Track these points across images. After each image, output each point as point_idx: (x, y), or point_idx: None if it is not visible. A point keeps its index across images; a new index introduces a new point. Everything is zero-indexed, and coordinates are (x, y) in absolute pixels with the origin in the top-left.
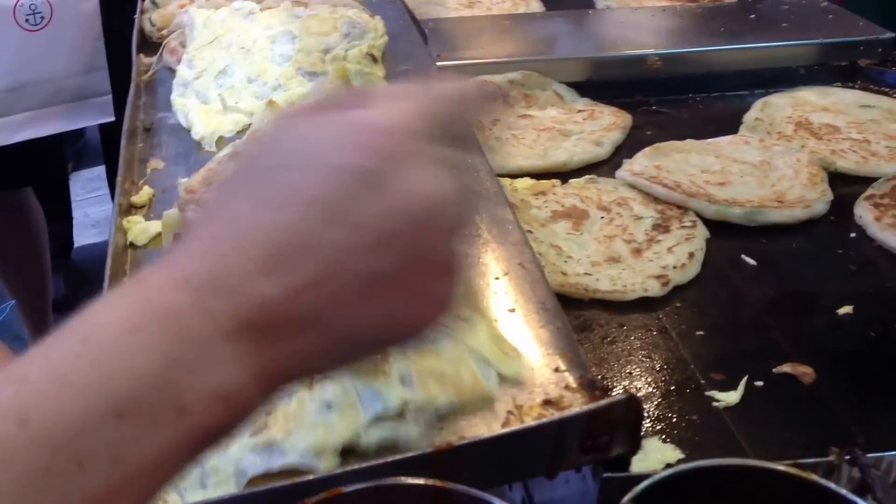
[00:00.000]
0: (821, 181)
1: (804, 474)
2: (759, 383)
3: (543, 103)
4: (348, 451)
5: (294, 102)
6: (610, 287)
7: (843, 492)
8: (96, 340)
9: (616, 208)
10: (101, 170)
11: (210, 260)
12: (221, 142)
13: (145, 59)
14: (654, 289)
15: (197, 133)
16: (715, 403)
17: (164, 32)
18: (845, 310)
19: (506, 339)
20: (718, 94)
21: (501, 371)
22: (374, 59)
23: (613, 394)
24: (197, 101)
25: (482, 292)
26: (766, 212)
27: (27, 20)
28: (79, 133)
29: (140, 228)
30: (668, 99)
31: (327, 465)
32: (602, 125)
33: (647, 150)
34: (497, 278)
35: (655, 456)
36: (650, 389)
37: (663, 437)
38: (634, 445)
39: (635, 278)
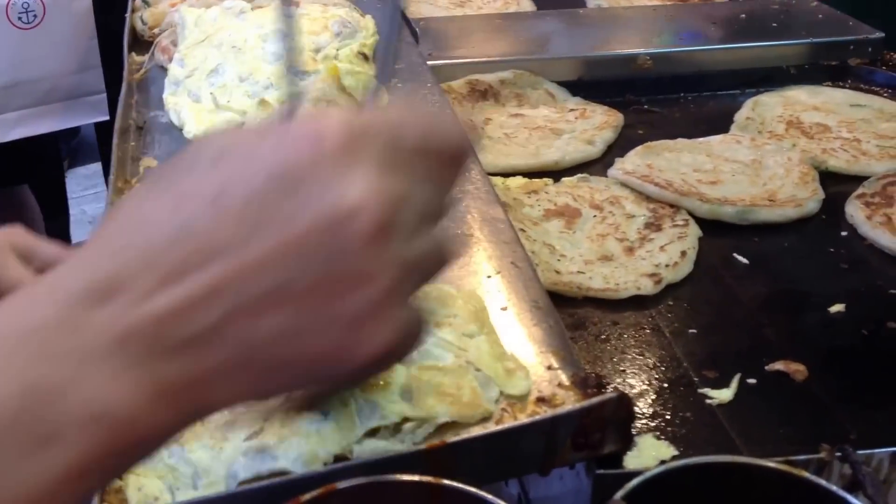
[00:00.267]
0: (812, 180)
1: (795, 471)
2: (752, 381)
3: (535, 102)
4: (340, 461)
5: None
6: (603, 285)
7: (834, 488)
8: None
9: (608, 207)
10: (97, 167)
11: (97, 266)
12: None
13: (137, 58)
14: (647, 287)
15: (189, 132)
16: (708, 401)
17: (156, 31)
18: (837, 308)
19: (512, 357)
20: (710, 93)
21: (506, 391)
22: (366, 58)
23: (606, 391)
24: (189, 100)
25: (475, 291)
26: (757, 210)
27: (20, 18)
28: (74, 131)
29: None
30: (659, 98)
31: None
32: (594, 124)
33: (638, 149)
34: (489, 277)
35: (650, 453)
36: (644, 387)
37: (657, 434)
38: (626, 442)
39: (628, 276)
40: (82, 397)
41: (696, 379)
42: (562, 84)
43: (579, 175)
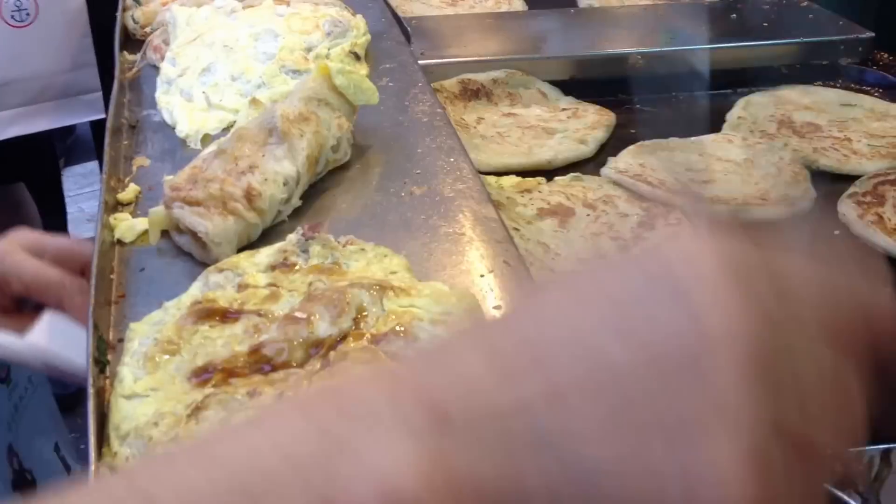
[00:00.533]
0: (804, 179)
1: None
2: None
3: (528, 101)
4: None
5: (277, 100)
6: None
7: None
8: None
9: (602, 206)
10: (93, 165)
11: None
12: (207, 139)
13: (129, 57)
14: None
15: (182, 131)
16: None
17: (148, 30)
18: None
19: None
20: (701, 92)
21: None
22: (357, 58)
23: None
24: (181, 99)
25: (468, 290)
26: (750, 209)
27: (13, 17)
28: (70, 129)
29: (127, 225)
30: (651, 97)
31: None
32: (586, 123)
33: (631, 148)
34: (482, 276)
35: None
36: None
37: None
38: None
39: None
40: (376, 464)
41: None
42: (554, 83)
43: (572, 174)
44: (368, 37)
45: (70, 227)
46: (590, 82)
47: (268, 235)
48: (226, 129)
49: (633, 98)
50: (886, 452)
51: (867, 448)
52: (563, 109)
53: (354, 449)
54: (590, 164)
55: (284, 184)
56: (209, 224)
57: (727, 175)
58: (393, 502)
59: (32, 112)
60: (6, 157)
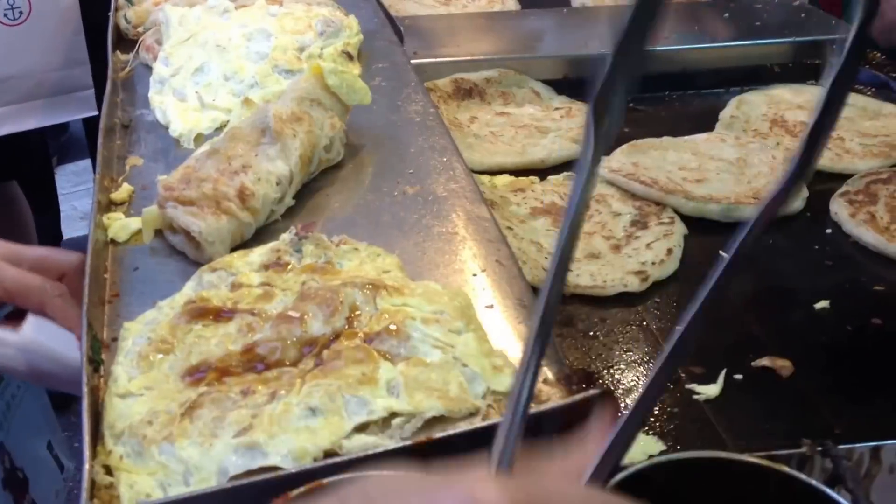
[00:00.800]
0: None
1: (775, 465)
2: (739, 376)
3: (521, 101)
4: (329, 457)
5: (269, 99)
6: (590, 282)
7: (813, 482)
8: None
9: (595, 205)
10: (86, 163)
11: None
12: (200, 139)
13: (122, 56)
14: (634, 284)
15: (175, 130)
16: (695, 396)
17: (140, 30)
18: (822, 304)
19: (500, 353)
20: (694, 92)
21: (492, 387)
22: (350, 57)
23: (593, 387)
24: (174, 99)
25: (460, 289)
26: (742, 208)
27: (6, 14)
28: (63, 127)
29: (120, 225)
30: (645, 97)
31: None
32: (579, 122)
33: (624, 147)
34: (475, 275)
35: (638, 448)
36: (631, 383)
37: (645, 429)
38: None
39: (615, 274)
40: None
41: (683, 375)
42: (547, 83)
43: (565, 173)
44: (361, 37)
45: (63, 225)
46: (583, 81)
47: (261, 235)
48: (219, 129)
49: None
50: (876, 450)
51: (857, 446)
52: (557, 109)
53: None
54: None
55: (277, 183)
56: (202, 223)
57: (720, 174)
58: None
59: (25, 109)
60: None
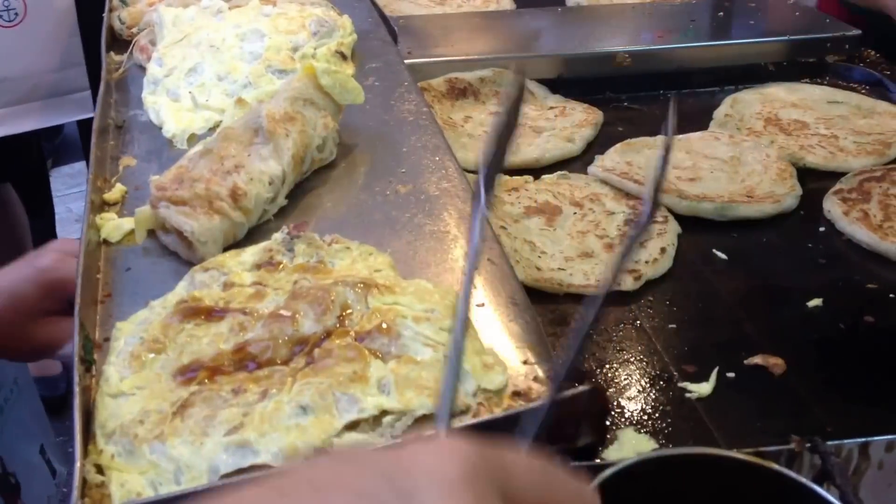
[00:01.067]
0: (790, 176)
1: (763, 462)
2: (731, 375)
3: None
4: (321, 454)
5: (263, 99)
6: (583, 281)
7: (801, 478)
8: None
9: (588, 204)
10: (81, 165)
11: None
12: (193, 139)
13: (116, 57)
14: (627, 283)
15: (168, 131)
16: (688, 395)
17: (134, 30)
18: (815, 302)
19: (491, 352)
20: (689, 90)
21: (483, 385)
22: (344, 57)
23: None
24: (168, 99)
25: (451, 288)
26: (736, 207)
27: (1, 17)
28: (57, 129)
29: (113, 225)
30: (639, 96)
31: None
32: (574, 122)
33: (618, 146)
34: (466, 273)
35: (630, 446)
36: (624, 382)
37: (638, 427)
38: (602, 435)
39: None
40: None
41: (675, 373)
42: (542, 82)
43: (559, 172)
44: (355, 36)
45: (58, 227)
46: (577, 81)
47: (253, 234)
48: (212, 129)
49: (620, 96)
50: (864, 446)
51: (845, 442)
52: (551, 108)
53: None
54: (577, 162)
55: (270, 183)
56: (195, 223)
57: (713, 172)
58: None
59: (21, 112)
60: None
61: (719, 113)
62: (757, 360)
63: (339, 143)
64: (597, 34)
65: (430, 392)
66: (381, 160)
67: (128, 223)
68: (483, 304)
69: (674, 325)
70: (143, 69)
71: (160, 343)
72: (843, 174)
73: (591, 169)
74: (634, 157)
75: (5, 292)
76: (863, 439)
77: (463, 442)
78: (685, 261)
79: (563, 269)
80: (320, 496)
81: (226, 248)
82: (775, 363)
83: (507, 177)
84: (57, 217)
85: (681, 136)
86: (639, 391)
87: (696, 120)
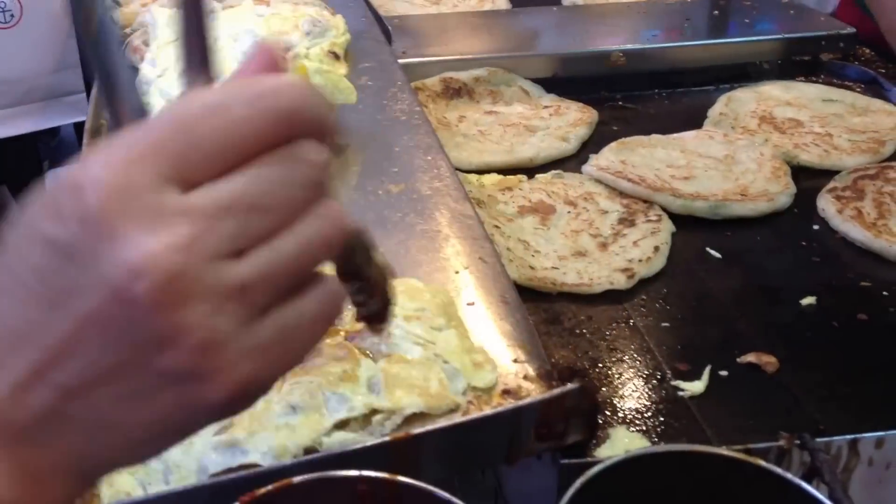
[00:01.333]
0: (784, 174)
1: (751, 459)
2: (724, 373)
3: (510, 99)
4: (310, 453)
5: None
6: (577, 280)
7: (788, 475)
8: None
9: (582, 203)
10: None
11: None
12: None
13: None
14: (620, 282)
15: None
16: (680, 393)
17: (127, 31)
18: (808, 300)
19: (480, 350)
20: (684, 89)
21: (473, 383)
22: (337, 57)
23: (575, 383)
24: (161, 100)
25: (442, 287)
26: (730, 205)
27: None
28: (54, 131)
29: None
30: (634, 94)
31: None
32: (568, 121)
33: (613, 145)
34: (457, 272)
35: (622, 444)
36: (617, 380)
37: (630, 426)
38: (591, 432)
39: (601, 272)
40: None
41: (668, 372)
42: (536, 81)
43: (553, 172)
44: (348, 36)
45: None
46: (572, 79)
47: None
48: None
49: (615, 95)
50: (854, 442)
51: (835, 438)
52: (546, 107)
53: None
54: (572, 162)
55: None
56: None
57: (707, 171)
58: None
59: (16, 114)
60: None
61: (714, 112)
62: (750, 358)
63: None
64: (591, 33)
65: (420, 391)
66: (374, 160)
67: None
68: (473, 303)
69: (667, 324)
70: (136, 70)
71: None
72: (837, 172)
73: (585, 168)
74: (629, 156)
75: None
76: (852, 436)
77: (107, 149)
78: (679, 259)
79: (556, 268)
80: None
81: None
82: (768, 361)
83: (501, 176)
84: None
85: (675, 134)
86: (631, 390)
87: (691, 118)
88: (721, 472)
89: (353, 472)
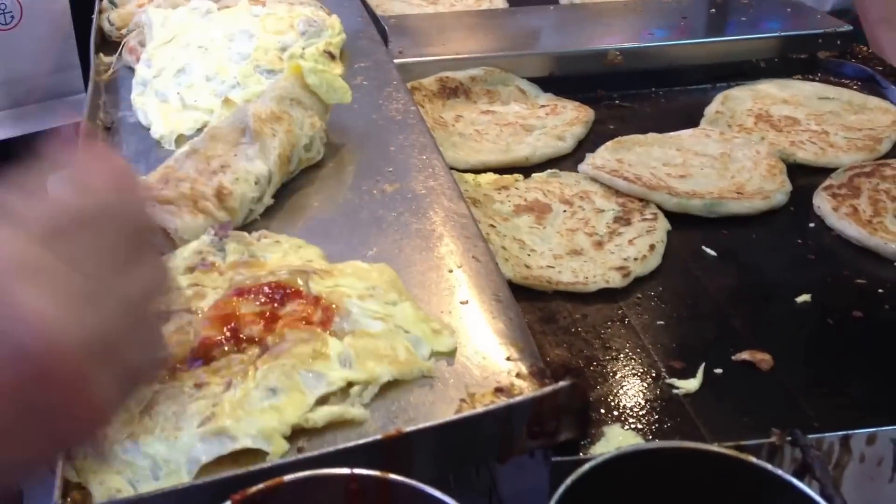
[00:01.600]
0: (780, 172)
1: (741, 455)
2: (719, 371)
3: (506, 99)
4: (298, 431)
5: (250, 99)
6: (572, 279)
7: (778, 472)
8: None
9: (578, 202)
10: None
11: None
12: (181, 140)
13: (105, 59)
14: (616, 280)
15: (156, 132)
16: (675, 391)
17: (123, 32)
18: (803, 298)
19: (436, 318)
20: (681, 87)
21: (435, 348)
22: (332, 57)
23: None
24: (156, 100)
25: (436, 285)
26: (725, 203)
27: None
28: (55, 133)
29: None
30: (630, 93)
31: (276, 447)
32: (565, 120)
33: (609, 143)
34: (451, 271)
35: (617, 442)
36: (612, 378)
37: (624, 424)
38: (583, 430)
39: (597, 270)
40: None
41: (663, 370)
42: (533, 80)
43: (549, 171)
44: (344, 36)
45: None
46: (569, 79)
47: None
48: (200, 130)
49: (612, 94)
50: (845, 439)
51: (826, 435)
52: (542, 106)
53: None
54: (568, 161)
55: (256, 183)
56: (179, 221)
57: (703, 169)
58: None
59: (17, 115)
60: None
61: (710, 110)
62: (744, 355)
63: (327, 143)
64: (588, 32)
65: (390, 359)
66: (369, 159)
67: None
68: (467, 302)
69: (662, 322)
70: (132, 70)
71: None
72: (833, 170)
73: (581, 167)
74: (625, 155)
75: None
76: (843, 432)
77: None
78: (674, 257)
79: (551, 267)
80: None
81: None
82: (763, 359)
83: (497, 175)
84: None
85: (671, 133)
86: (626, 388)
87: (688, 117)
88: (712, 470)
89: (345, 471)
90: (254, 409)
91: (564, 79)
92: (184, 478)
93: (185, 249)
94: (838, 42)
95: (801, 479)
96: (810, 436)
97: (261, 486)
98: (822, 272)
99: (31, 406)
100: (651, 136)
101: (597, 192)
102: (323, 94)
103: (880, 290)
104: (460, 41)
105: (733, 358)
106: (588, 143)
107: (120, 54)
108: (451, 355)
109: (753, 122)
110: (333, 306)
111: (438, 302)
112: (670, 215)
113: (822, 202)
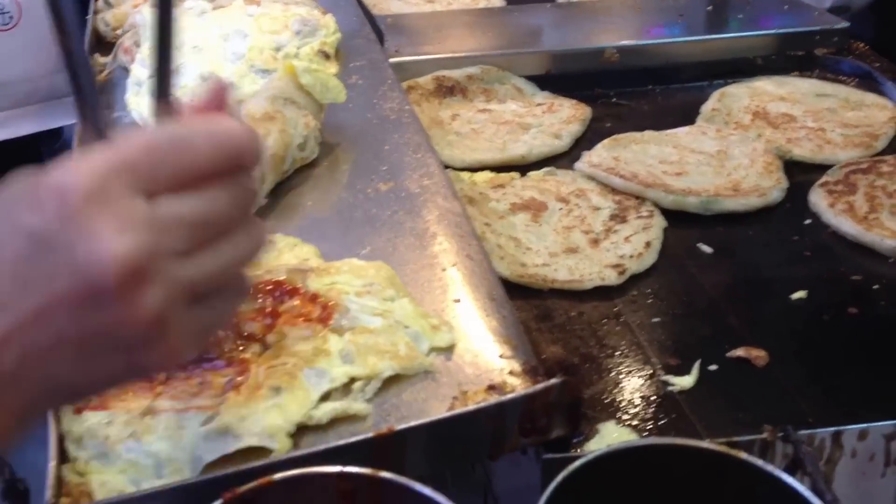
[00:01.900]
0: (776, 169)
1: (731, 451)
2: (714, 367)
3: (503, 97)
4: (301, 427)
5: (244, 99)
6: (568, 277)
7: (769, 467)
8: None
9: (574, 200)
10: None
11: None
12: None
13: (101, 59)
14: (611, 278)
15: None
16: (670, 388)
17: (119, 32)
18: (799, 294)
19: (435, 314)
20: (678, 85)
21: (434, 343)
22: (327, 56)
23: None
24: (152, 100)
25: (429, 283)
26: (721, 200)
27: None
28: (56, 133)
29: None
30: (627, 91)
31: (281, 445)
32: (561, 118)
33: (605, 141)
34: (444, 269)
35: (612, 439)
36: (608, 375)
37: (619, 420)
38: (574, 426)
39: (593, 268)
40: None
41: (658, 366)
42: (530, 78)
43: (546, 169)
44: (339, 35)
45: None
46: (566, 77)
47: None
48: None
49: (609, 92)
50: (837, 434)
51: (817, 431)
52: (539, 104)
53: None
54: (565, 159)
55: None
56: None
57: (700, 167)
58: None
59: (18, 115)
60: None
61: (707, 107)
62: (740, 352)
63: (322, 142)
64: (585, 30)
65: (391, 354)
66: (363, 158)
67: None
68: (460, 300)
69: (657, 319)
70: (127, 71)
71: None
72: (830, 167)
73: (577, 165)
74: (622, 153)
75: None
76: (834, 428)
77: (88, 160)
78: (671, 255)
79: (547, 265)
80: None
81: None
82: (758, 355)
83: (493, 174)
84: None
85: (668, 130)
86: (622, 384)
87: (685, 114)
88: (703, 466)
89: (335, 468)
90: (258, 407)
91: (561, 77)
92: (187, 476)
93: None
94: (835, 39)
95: (792, 474)
96: (802, 431)
97: (251, 484)
98: (817, 269)
99: (103, 328)
100: (647, 133)
101: (593, 189)
102: (317, 94)
103: (876, 287)
104: (457, 40)
105: (728, 354)
106: (585, 141)
107: (115, 54)
108: (449, 351)
109: (750, 120)
110: (332, 303)
111: (432, 300)
112: (666, 213)
113: (818, 199)
